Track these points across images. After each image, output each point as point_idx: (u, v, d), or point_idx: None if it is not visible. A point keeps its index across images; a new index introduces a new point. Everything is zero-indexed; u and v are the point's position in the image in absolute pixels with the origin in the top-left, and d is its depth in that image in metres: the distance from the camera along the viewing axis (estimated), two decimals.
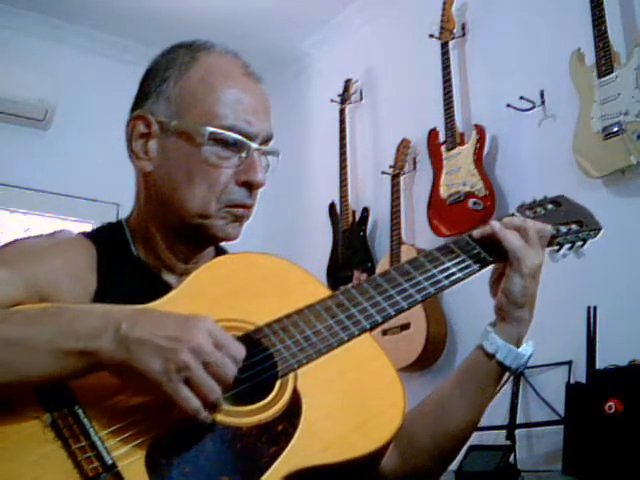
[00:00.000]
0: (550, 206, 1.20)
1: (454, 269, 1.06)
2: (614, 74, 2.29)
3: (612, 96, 2.29)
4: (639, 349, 2.09)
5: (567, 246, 1.17)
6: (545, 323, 2.46)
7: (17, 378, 0.82)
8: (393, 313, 1.00)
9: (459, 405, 1.06)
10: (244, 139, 1.04)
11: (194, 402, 0.82)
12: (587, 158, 2.39)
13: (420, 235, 3.07)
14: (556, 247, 1.16)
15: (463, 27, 3.04)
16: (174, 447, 0.83)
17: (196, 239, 1.09)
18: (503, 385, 2.47)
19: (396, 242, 3.03)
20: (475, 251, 1.08)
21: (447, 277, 1.05)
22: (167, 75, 1.07)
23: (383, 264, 3.12)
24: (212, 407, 0.84)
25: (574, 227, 1.17)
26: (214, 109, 1.04)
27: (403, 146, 3.17)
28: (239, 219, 1.08)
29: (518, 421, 2.40)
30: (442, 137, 2.94)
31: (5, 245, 1.05)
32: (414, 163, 3.19)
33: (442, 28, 2.98)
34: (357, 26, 3.69)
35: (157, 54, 1.13)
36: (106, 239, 1.10)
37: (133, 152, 1.08)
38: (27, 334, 0.84)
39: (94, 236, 1.11)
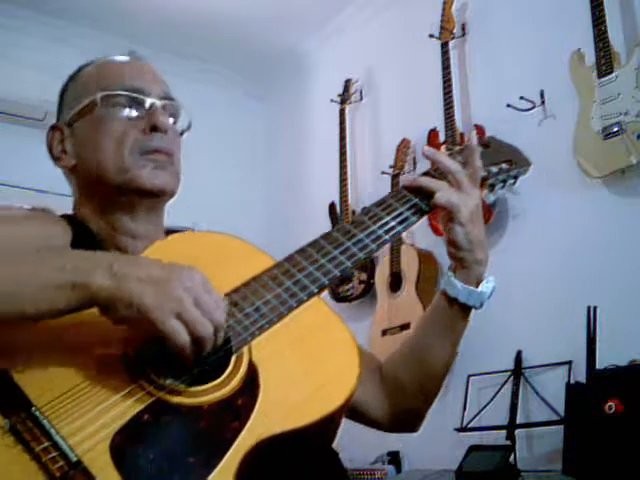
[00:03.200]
0: (479, 149, 1.20)
1: (393, 223, 1.08)
2: (614, 74, 2.29)
3: (612, 96, 2.29)
4: (639, 349, 2.09)
5: (499, 185, 1.20)
6: (545, 323, 2.48)
7: (14, 310, 0.83)
8: (338, 273, 1.00)
9: (433, 345, 1.14)
10: (137, 94, 1.13)
11: (184, 335, 0.83)
12: (587, 158, 2.39)
13: (420, 235, 3.07)
14: (489, 188, 1.19)
15: (463, 27, 3.04)
16: (138, 434, 0.82)
17: (131, 201, 1.12)
18: (503, 385, 2.49)
19: (396, 242, 3.03)
20: (412, 202, 1.10)
21: (387, 231, 1.07)
22: (65, 89, 1.23)
23: (383, 264, 3.13)
24: (201, 345, 0.84)
25: (504, 166, 1.20)
26: (101, 82, 1.15)
27: (403, 146, 3.17)
28: (160, 165, 1.12)
29: (518, 421, 2.41)
30: (442, 137, 2.94)
31: None
32: (414, 163, 3.19)
33: (442, 28, 2.98)
34: (357, 26, 3.69)
35: None
36: (75, 225, 1.15)
37: (55, 157, 1.19)
38: (24, 269, 0.85)
39: (68, 219, 1.16)
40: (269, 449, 0.85)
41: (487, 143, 1.23)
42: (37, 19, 3.68)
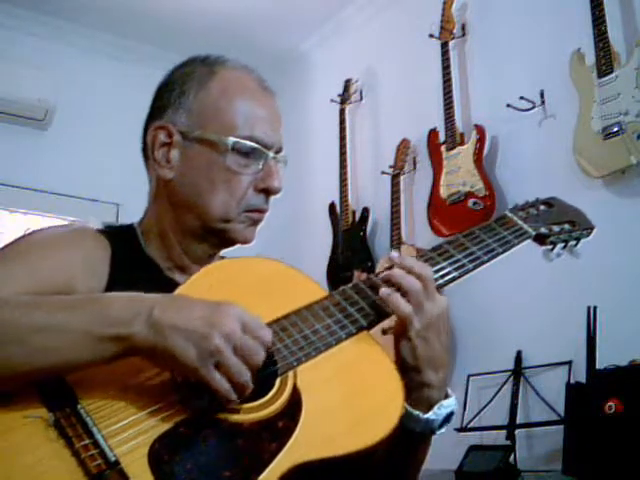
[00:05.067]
0: (542, 207, 1.21)
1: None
2: (614, 74, 2.29)
3: (612, 96, 2.29)
4: (639, 349, 2.09)
5: (560, 245, 1.18)
6: (545, 323, 2.48)
7: (56, 362, 0.84)
8: (390, 311, 1.00)
9: (387, 471, 1.02)
10: (262, 148, 1.10)
11: (225, 385, 0.84)
12: (587, 158, 2.39)
13: (420, 235, 3.07)
14: (550, 246, 1.17)
15: (463, 27, 3.04)
16: (176, 444, 0.84)
17: (216, 242, 1.14)
18: (503, 385, 2.49)
19: (396, 242, 3.03)
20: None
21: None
22: (186, 88, 1.12)
23: (383, 264, 3.13)
24: (241, 390, 0.86)
25: (567, 227, 1.19)
26: (234, 120, 1.10)
27: (403, 146, 3.17)
28: (255, 223, 1.14)
29: (518, 421, 2.41)
30: (442, 137, 2.94)
31: (21, 238, 1.07)
32: (414, 163, 3.19)
33: (442, 28, 2.98)
34: (357, 26, 3.69)
35: (172, 67, 1.18)
36: (120, 238, 1.14)
37: (155, 160, 1.12)
38: (64, 320, 0.86)
39: (109, 233, 1.14)
40: (306, 474, 0.85)
41: (551, 203, 1.23)
42: (37, 19, 3.68)
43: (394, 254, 1.04)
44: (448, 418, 1.01)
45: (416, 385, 0.99)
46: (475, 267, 1.07)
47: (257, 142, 1.10)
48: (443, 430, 1.01)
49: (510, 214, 1.17)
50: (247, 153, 1.09)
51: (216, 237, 1.13)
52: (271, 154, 1.12)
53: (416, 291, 0.97)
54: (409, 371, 0.98)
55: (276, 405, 0.89)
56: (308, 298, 1.01)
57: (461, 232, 1.12)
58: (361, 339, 0.98)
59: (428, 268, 1.01)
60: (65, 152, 3.66)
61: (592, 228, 1.21)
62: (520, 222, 1.15)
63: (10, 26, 3.63)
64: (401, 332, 0.98)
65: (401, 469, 1.05)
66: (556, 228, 1.18)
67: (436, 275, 1.04)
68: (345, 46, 3.78)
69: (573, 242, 1.19)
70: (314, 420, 0.89)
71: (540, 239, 1.16)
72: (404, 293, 0.98)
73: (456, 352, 2.84)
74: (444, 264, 1.06)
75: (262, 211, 1.14)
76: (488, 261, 1.09)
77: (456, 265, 1.06)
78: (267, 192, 1.12)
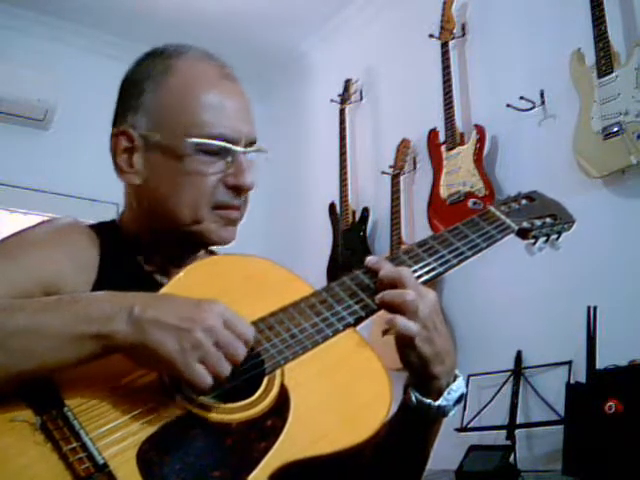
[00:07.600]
0: (524, 201, 1.22)
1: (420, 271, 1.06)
2: (614, 74, 2.29)
3: (612, 96, 2.29)
4: (639, 349, 2.09)
5: (542, 239, 1.18)
6: (545, 323, 2.48)
7: (37, 365, 0.83)
8: (375, 307, 1.00)
9: (395, 447, 1.03)
10: (227, 144, 1.05)
11: (207, 379, 0.83)
12: (587, 158, 2.39)
13: (420, 235, 3.04)
14: (532, 240, 1.18)
15: (463, 27, 3.05)
16: (165, 445, 0.83)
17: (192, 244, 1.11)
18: (503, 385, 2.49)
19: (396, 242, 3.03)
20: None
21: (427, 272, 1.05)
22: (144, 87, 1.08)
23: None
24: (218, 384, 0.85)
25: (548, 220, 1.20)
26: (194, 119, 1.05)
27: (403, 146, 3.17)
28: (231, 222, 1.09)
29: (518, 421, 2.41)
30: (442, 137, 2.94)
31: (10, 236, 1.06)
32: (414, 163, 3.19)
33: (442, 28, 2.98)
34: (357, 26, 3.69)
35: (131, 64, 1.14)
36: (107, 234, 1.12)
37: (118, 167, 1.09)
38: (44, 321, 0.84)
39: (98, 228, 1.12)
40: (295, 472, 0.85)
41: (532, 197, 1.23)
42: (37, 19, 3.68)
43: (371, 258, 1.03)
44: (459, 400, 1.02)
45: (425, 379, 0.99)
46: (459, 262, 1.07)
47: (221, 139, 1.04)
48: (455, 410, 1.02)
49: (493, 209, 1.17)
50: (211, 152, 1.04)
51: (191, 240, 1.09)
52: (239, 149, 1.06)
53: (412, 301, 0.96)
54: (417, 368, 0.98)
55: (264, 404, 0.89)
56: (295, 296, 1.00)
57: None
58: (348, 336, 0.98)
59: (405, 270, 1.00)
60: (65, 152, 3.66)
61: (573, 221, 1.22)
62: (503, 217, 1.16)
63: (10, 26, 3.63)
64: (405, 343, 0.97)
65: (416, 448, 1.06)
66: (538, 222, 1.18)
67: (421, 271, 1.04)
68: (345, 46, 3.78)
69: (555, 235, 1.20)
70: (302, 418, 0.89)
71: (523, 233, 1.17)
72: (402, 311, 0.97)
73: (456, 352, 2.83)
74: (429, 260, 1.06)
75: (234, 208, 1.08)
76: (472, 256, 1.08)
77: (441, 261, 1.06)
78: (238, 189, 1.06)
